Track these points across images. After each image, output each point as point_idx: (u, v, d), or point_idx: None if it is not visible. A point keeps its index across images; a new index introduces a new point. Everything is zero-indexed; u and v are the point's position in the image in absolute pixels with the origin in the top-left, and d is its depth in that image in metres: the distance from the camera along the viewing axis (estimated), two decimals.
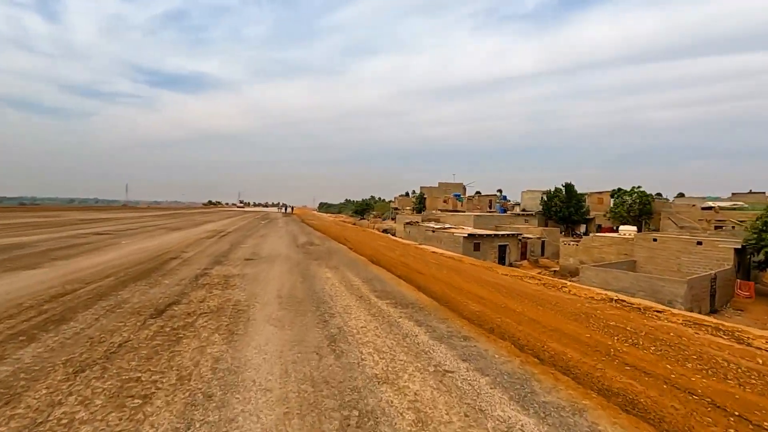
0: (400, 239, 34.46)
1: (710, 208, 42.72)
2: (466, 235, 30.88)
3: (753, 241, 23.22)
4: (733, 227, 39.42)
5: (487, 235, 32.34)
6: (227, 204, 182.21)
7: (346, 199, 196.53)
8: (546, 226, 52.51)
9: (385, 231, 63.26)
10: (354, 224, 73.91)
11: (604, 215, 50.10)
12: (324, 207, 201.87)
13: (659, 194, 47.64)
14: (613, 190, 48.37)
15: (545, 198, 54.11)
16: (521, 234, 35.10)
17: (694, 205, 43.96)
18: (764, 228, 22.80)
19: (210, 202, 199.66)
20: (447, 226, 37.93)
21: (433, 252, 16.38)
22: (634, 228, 30.64)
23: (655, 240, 26.82)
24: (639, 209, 44.78)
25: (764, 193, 55.19)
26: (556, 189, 53.03)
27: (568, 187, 52.10)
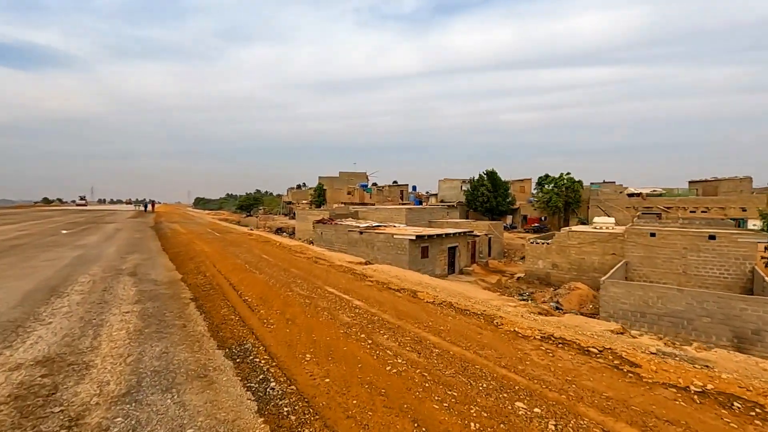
0: (304, 244, 23.63)
1: (637, 194, 40.76)
2: (414, 237, 21.34)
3: None
4: (660, 214, 37.65)
5: (437, 236, 23.32)
6: (73, 202, 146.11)
7: (228, 194, 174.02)
8: (467, 217, 46.53)
9: (278, 230, 50.77)
10: (238, 223, 59.34)
11: (532, 205, 45.90)
12: (201, 203, 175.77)
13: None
14: (540, 177, 44.16)
15: (468, 187, 48.04)
16: (472, 232, 27.00)
17: (621, 192, 41.76)
18: None
19: (46, 200, 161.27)
20: (374, 224, 27.98)
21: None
22: (613, 220, 24.88)
23: (653, 235, 20.84)
24: (572, 197, 41.00)
25: (614, 182, 57.70)
26: (480, 176, 47.25)
27: (491, 174, 46.64)
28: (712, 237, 19.47)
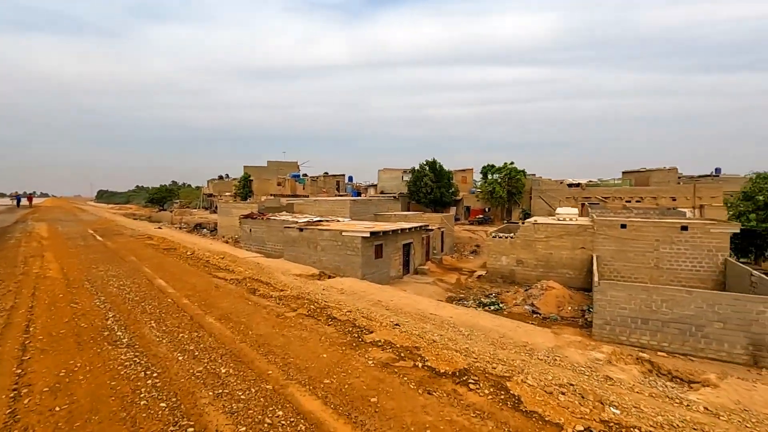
0: (228, 249, 18.90)
1: (577, 185, 40.94)
2: (368, 234, 17.53)
3: (753, 224, 17.57)
4: (598, 203, 38.08)
5: (392, 232, 19.77)
6: None
7: (138, 186, 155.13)
8: (408, 209, 43.93)
9: (198, 227, 43.88)
10: (149, 218, 50.77)
11: (475, 196, 44.37)
12: (106, 196, 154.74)
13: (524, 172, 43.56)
14: (484, 166, 42.68)
15: (411, 178, 45.27)
16: (427, 226, 23.89)
17: (561, 182, 41.73)
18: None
19: None
20: (315, 218, 23.64)
21: None
22: (576, 211, 23.27)
23: (623, 227, 19.30)
24: (516, 187, 39.97)
25: (534, 174, 59.23)
26: (421, 166, 44.70)
27: (432, 164, 44.34)
28: (684, 228, 18.36)
